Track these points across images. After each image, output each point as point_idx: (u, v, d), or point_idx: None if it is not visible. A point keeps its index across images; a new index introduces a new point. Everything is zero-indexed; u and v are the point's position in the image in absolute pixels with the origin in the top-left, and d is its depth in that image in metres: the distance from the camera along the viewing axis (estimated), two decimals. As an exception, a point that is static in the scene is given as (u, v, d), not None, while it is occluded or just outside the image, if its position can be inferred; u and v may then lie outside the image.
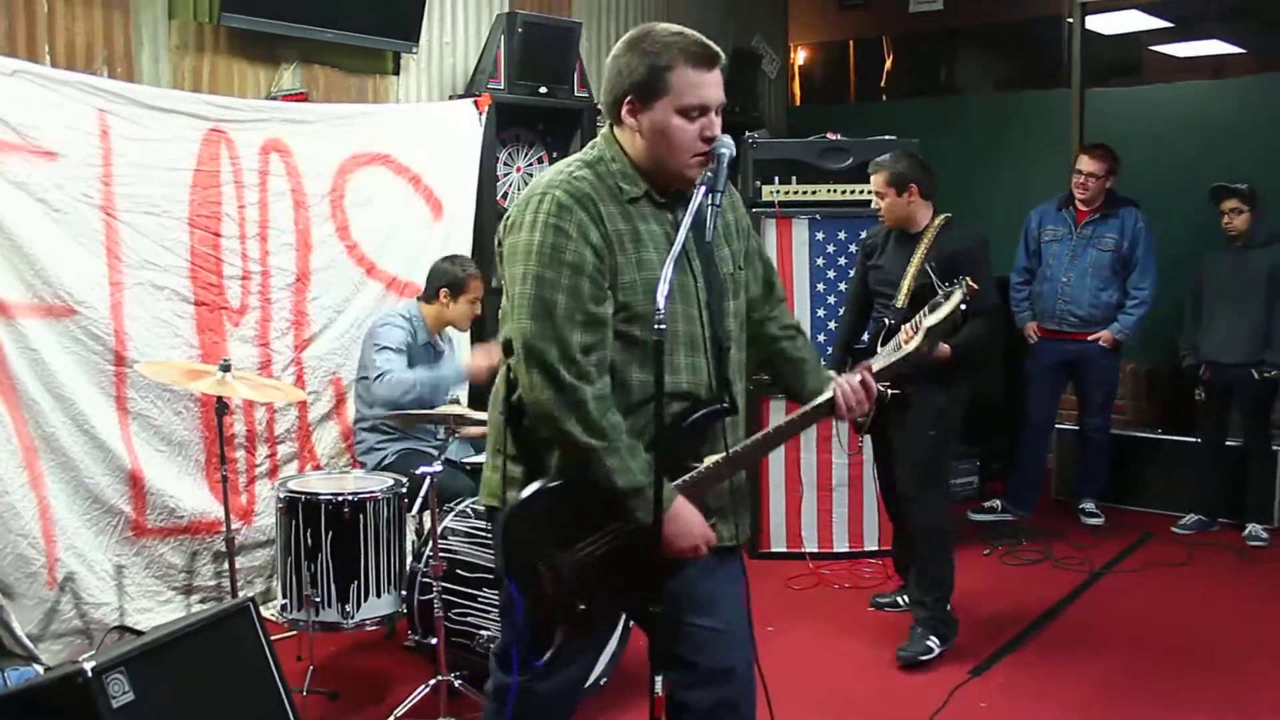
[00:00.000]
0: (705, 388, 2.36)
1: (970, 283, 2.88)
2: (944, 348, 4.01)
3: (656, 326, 2.08)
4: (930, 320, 2.70)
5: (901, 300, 4.25)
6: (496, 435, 2.42)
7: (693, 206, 2.22)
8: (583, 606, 2.37)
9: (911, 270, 4.26)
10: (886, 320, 4.26)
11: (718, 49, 2.30)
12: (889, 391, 4.24)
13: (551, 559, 2.31)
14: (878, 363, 2.58)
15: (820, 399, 2.47)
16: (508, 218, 2.32)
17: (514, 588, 2.32)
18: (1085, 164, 5.93)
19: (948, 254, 4.22)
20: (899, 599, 4.85)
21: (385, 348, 4.38)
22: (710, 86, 2.28)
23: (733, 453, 2.36)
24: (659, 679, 2.23)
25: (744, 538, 2.54)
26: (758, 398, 5.40)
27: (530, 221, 2.24)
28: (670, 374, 2.27)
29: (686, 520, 2.29)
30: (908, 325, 3.91)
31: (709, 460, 2.36)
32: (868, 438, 4.70)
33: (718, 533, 2.41)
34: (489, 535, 3.77)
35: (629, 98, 2.28)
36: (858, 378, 2.47)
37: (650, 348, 2.15)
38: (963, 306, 2.74)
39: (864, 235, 4.81)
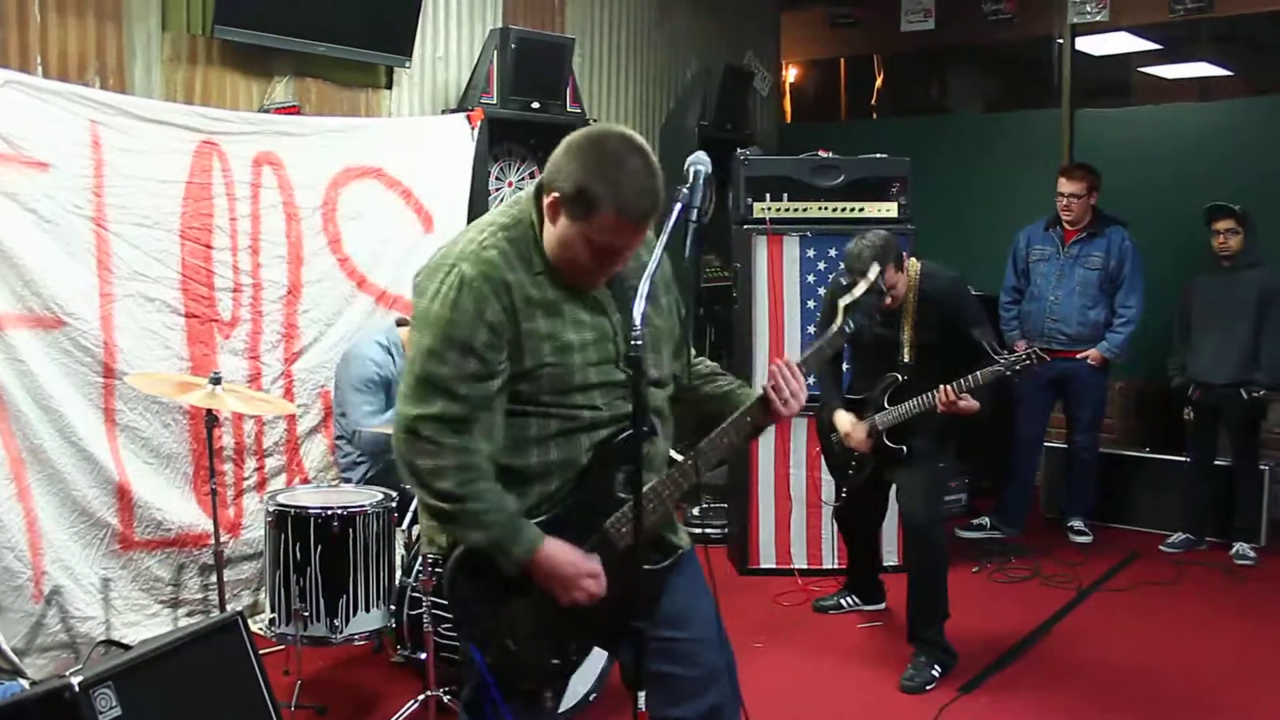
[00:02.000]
0: (625, 421, 2.35)
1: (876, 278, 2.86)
2: (973, 403, 4.11)
3: (634, 343, 2.10)
4: (847, 299, 2.67)
5: (907, 355, 4.29)
6: None
7: (668, 226, 2.22)
8: (555, 661, 2.38)
9: (908, 323, 4.30)
10: (899, 377, 4.31)
11: (657, 203, 2.20)
12: (895, 446, 4.34)
13: (502, 615, 2.32)
14: (811, 351, 2.55)
15: (753, 398, 2.44)
16: (418, 278, 2.31)
17: (476, 653, 2.32)
18: (1065, 185, 5.98)
19: (939, 307, 4.31)
20: (842, 601, 5.05)
21: (359, 390, 4.38)
22: (630, 237, 2.21)
23: (678, 468, 2.37)
24: (642, 695, 2.23)
25: (688, 543, 2.55)
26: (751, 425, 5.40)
27: (434, 292, 2.23)
28: (590, 412, 2.31)
29: (556, 565, 2.27)
30: (948, 386, 4.01)
31: (650, 484, 2.34)
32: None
33: (670, 542, 2.44)
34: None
35: (555, 196, 2.22)
36: (781, 364, 2.42)
37: (554, 423, 2.28)
38: (881, 286, 2.72)
39: (830, 282, 4.86)
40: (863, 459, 4.50)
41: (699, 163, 2.27)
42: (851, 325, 2.62)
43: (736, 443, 2.46)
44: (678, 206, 2.23)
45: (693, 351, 2.65)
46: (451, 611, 2.41)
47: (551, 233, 2.26)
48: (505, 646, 2.33)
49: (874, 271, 2.71)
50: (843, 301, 2.65)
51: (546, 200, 2.25)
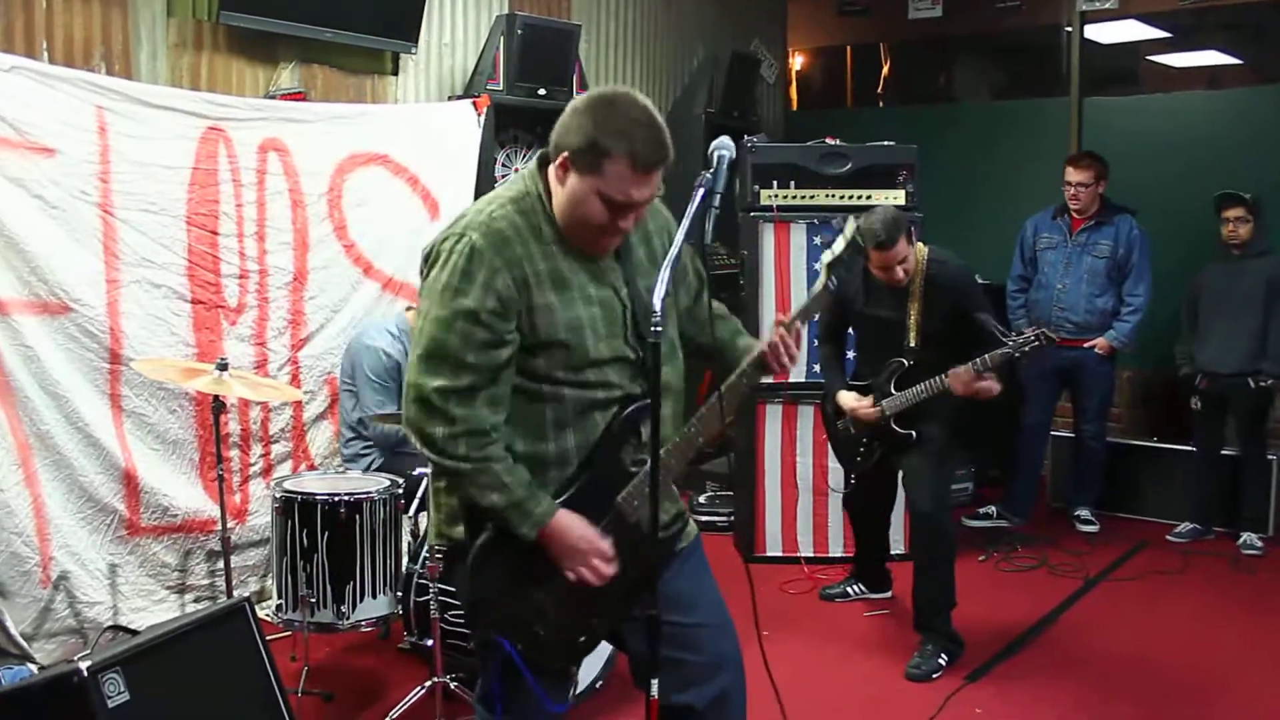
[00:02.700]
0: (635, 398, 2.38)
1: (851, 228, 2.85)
2: (994, 383, 4.10)
3: (654, 329, 2.10)
4: (828, 256, 2.65)
5: (913, 340, 4.28)
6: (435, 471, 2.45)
7: (690, 210, 2.21)
8: (583, 639, 2.40)
9: (914, 308, 4.28)
10: (905, 361, 4.30)
11: (667, 151, 2.23)
12: (904, 432, 4.33)
13: (532, 600, 2.33)
14: (798, 311, 2.53)
15: (749, 358, 2.45)
16: (428, 247, 2.32)
17: (506, 643, 2.33)
18: (1072, 174, 5.95)
19: (946, 292, 4.29)
20: (848, 589, 5.04)
21: (374, 384, 4.40)
22: (641, 188, 2.22)
23: (680, 437, 2.39)
24: (655, 682, 2.23)
25: (694, 527, 2.56)
26: (753, 401, 5.41)
27: (443, 261, 2.25)
28: (604, 391, 2.33)
29: (571, 536, 2.29)
30: (963, 368, 4.00)
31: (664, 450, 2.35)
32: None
33: (674, 528, 2.44)
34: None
35: (565, 155, 2.23)
36: (777, 333, 2.43)
37: (570, 404, 2.29)
38: (859, 240, 2.70)
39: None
40: (870, 445, 4.48)
41: (723, 147, 2.26)
42: (834, 282, 2.60)
43: (733, 405, 2.46)
44: (700, 191, 2.22)
45: (708, 295, 2.65)
46: (471, 602, 2.39)
47: (561, 194, 2.27)
48: (534, 632, 2.34)
49: (850, 227, 2.69)
50: (825, 259, 2.64)
51: (555, 162, 2.26)
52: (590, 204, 2.23)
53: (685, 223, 2.20)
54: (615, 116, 2.20)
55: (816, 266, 2.76)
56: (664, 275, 2.13)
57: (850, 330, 4.70)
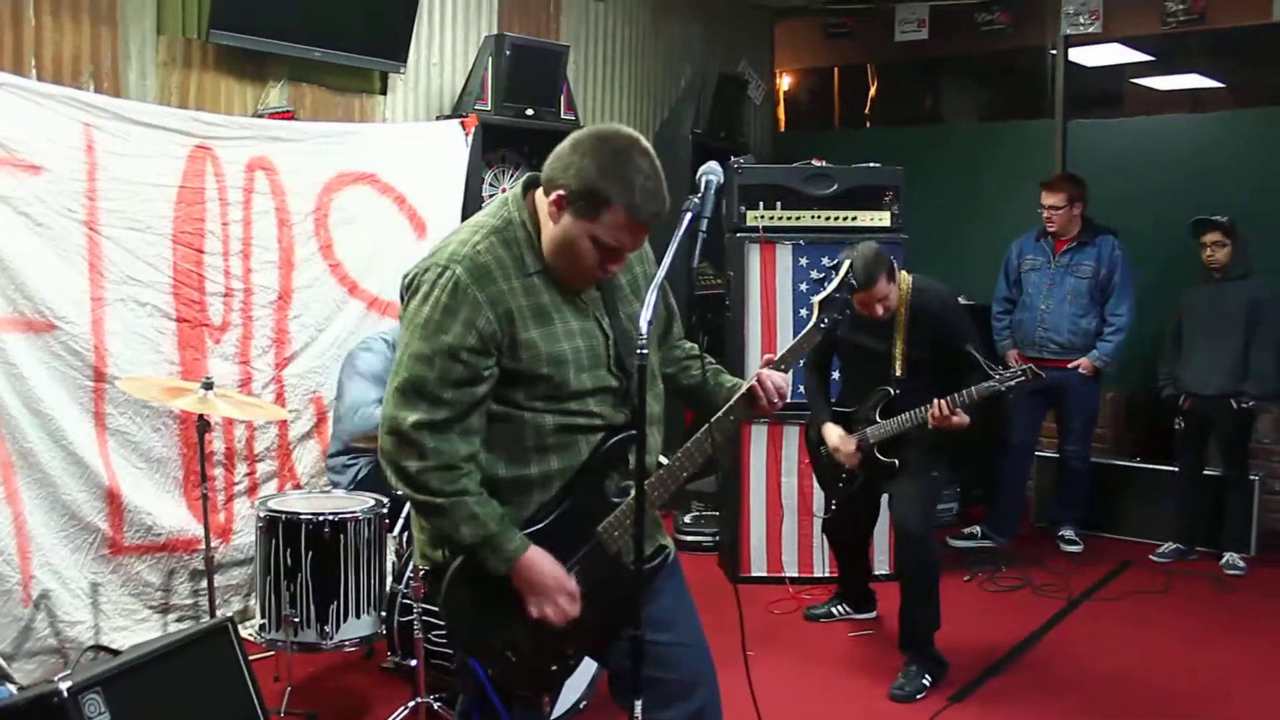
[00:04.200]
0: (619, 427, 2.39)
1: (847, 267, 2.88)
2: (964, 418, 4.13)
3: (640, 352, 2.12)
4: (820, 295, 2.69)
5: (899, 369, 4.30)
6: None
7: (678, 234, 2.23)
8: (555, 668, 2.40)
9: (900, 337, 4.31)
10: (891, 390, 4.32)
11: (664, 204, 2.23)
12: (887, 460, 4.35)
13: (506, 626, 2.33)
14: (788, 349, 2.58)
15: (737, 396, 2.47)
16: (409, 275, 2.31)
17: (476, 665, 2.33)
18: (1046, 198, 6.02)
19: (931, 321, 4.32)
20: (833, 609, 5.05)
21: (358, 375, 4.39)
22: (634, 238, 2.24)
23: (665, 470, 2.39)
24: (639, 703, 2.23)
25: (673, 546, 2.56)
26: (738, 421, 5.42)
27: (425, 293, 2.24)
28: (585, 418, 2.33)
29: (539, 573, 2.29)
30: (942, 401, 4.01)
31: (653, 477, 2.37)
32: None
33: (656, 561, 2.44)
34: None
35: (560, 193, 2.21)
36: (766, 372, 2.47)
37: (550, 428, 2.29)
38: (853, 280, 2.72)
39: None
40: (852, 472, 4.49)
41: (711, 172, 2.29)
42: (826, 321, 2.63)
43: (721, 442, 2.47)
44: (688, 215, 2.23)
45: (678, 334, 2.66)
46: (447, 624, 2.41)
47: (552, 230, 2.26)
48: (506, 658, 2.35)
49: (844, 266, 2.72)
50: (816, 298, 2.66)
51: (549, 198, 2.24)
52: (581, 246, 2.23)
53: (673, 247, 2.21)
54: (618, 165, 2.18)
55: (810, 303, 2.78)
56: (650, 298, 2.15)
57: (836, 357, 4.72)
